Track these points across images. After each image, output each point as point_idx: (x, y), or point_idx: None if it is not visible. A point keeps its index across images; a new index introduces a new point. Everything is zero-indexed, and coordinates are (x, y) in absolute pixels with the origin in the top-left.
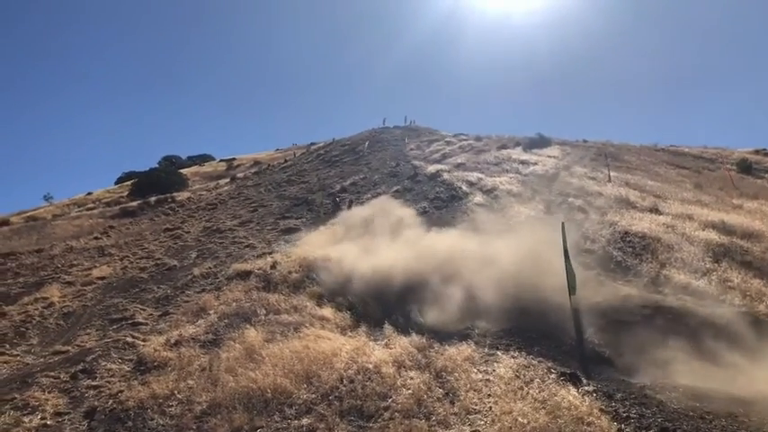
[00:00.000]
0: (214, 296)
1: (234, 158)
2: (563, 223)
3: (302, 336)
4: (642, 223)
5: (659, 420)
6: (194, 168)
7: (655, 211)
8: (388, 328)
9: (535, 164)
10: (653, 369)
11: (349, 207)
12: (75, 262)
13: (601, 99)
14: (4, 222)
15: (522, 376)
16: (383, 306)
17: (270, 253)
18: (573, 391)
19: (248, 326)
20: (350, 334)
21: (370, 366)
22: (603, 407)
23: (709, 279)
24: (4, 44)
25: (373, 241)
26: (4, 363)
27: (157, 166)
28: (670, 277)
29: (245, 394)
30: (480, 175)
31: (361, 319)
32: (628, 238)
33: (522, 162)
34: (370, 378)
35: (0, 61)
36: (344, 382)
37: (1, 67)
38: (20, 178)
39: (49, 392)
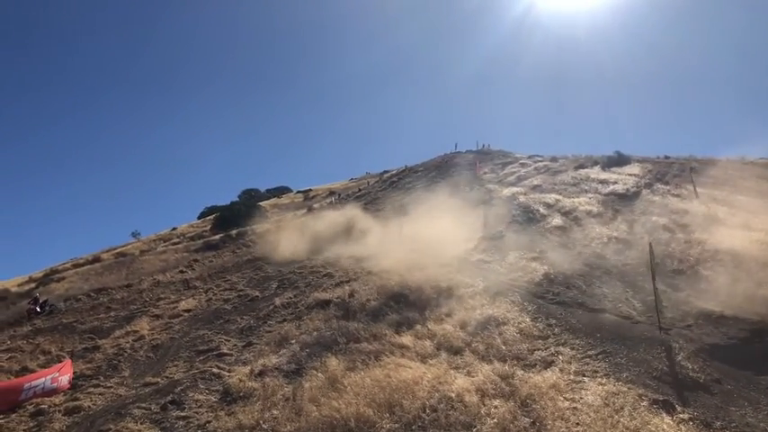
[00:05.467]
0: (295, 326)
1: (310, 189)
2: (650, 243)
3: (383, 364)
4: (733, 240)
5: None
6: (272, 200)
7: (746, 227)
8: (468, 356)
9: (615, 183)
10: (755, 395)
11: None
12: (162, 295)
13: (679, 113)
14: (96, 259)
15: (611, 404)
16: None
17: (347, 281)
18: (667, 419)
19: (329, 355)
20: (431, 362)
21: (453, 395)
22: None
23: None
24: (95, 87)
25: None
26: (100, 394)
27: (237, 199)
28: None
29: (329, 424)
30: (558, 197)
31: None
32: (718, 257)
33: (602, 182)
34: (453, 407)
35: (88, 106)
36: (427, 411)
37: (89, 113)
38: (109, 216)
39: (142, 423)
